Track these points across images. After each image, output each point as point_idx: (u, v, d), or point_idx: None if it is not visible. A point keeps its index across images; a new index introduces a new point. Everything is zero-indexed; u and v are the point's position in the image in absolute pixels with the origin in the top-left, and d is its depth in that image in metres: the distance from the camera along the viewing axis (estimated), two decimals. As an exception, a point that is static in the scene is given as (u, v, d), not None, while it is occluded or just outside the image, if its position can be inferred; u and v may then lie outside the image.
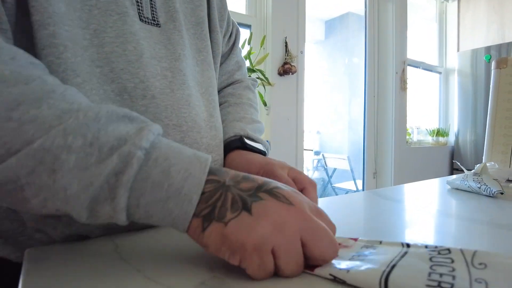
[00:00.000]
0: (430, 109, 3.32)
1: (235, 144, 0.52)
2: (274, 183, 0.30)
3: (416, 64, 3.01)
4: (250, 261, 0.25)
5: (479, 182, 0.64)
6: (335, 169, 3.43)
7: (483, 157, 0.84)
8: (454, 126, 3.16)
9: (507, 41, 2.79)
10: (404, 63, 2.58)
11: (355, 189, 2.77)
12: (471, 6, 3.10)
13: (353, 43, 3.85)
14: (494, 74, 0.82)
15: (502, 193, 0.60)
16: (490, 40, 2.96)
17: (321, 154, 3.57)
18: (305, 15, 2.08)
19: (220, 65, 0.63)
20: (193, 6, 0.52)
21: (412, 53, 2.86)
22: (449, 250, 0.26)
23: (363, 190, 2.57)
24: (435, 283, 0.22)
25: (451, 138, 3.17)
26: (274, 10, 1.92)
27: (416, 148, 2.79)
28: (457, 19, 3.19)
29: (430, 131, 3.10)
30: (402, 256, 0.26)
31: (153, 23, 0.44)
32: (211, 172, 0.29)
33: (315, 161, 4.13)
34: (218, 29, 0.57)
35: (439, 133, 3.09)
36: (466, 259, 0.24)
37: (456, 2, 3.19)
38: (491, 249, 0.35)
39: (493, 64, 0.82)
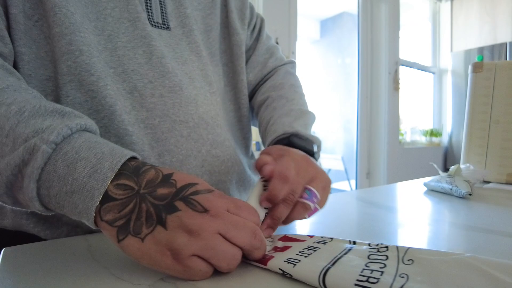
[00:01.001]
0: (424, 109, 3.34)
1: (283, 143, 0.48)
2: (193, 186, 0.29)
3: (410, 65, 3.03)
4: (174, 271, 0.26)
5: (451, 184, 0.67)
6: (329, 170, 3.46)
7: (461, 159, 0.86)
8: (447, 127, 3.19)
9: (499, 42, 2.81)
10: (397, 63, 2.60)
11: (349, 189, 2.80)
12: (464, 7, 3.13)
13: (347, 43, 3.87)
14: (470, 78, 0.84)
15: (470, 194, 0.62)
16: (482, 41, 2.99)
17: (316, 154, 3.59)
18: (296, 15, 2.10)
19: (250, 58, 0.63)
20: (203, 14, 0.55)
21: (406, 54, 2.88)
22: (387, 247, 0.28)
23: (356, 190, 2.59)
24: (365, 278, 0.24)
25: (445, 139, 3.20)
26: (265, 9, 1.94)
27: (409, 149, 2.82)
28: (450, 20, 3.22)
29: (424, 131, 3.12)
30: (346, 253, 0.29)
31: (163, 27, 0.48)
32: (126, 173, 0.28)
33: (311, 161, 4.15)
34: (238, 30, 0.58)
35: (432, 133, 3.12)
36: (398, 256, 0.27)
37: (449, 3, 3.21)
38: (454, 250, 0.37)
39: (469, 68, 0.84)
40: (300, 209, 0.37)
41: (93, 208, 0.27)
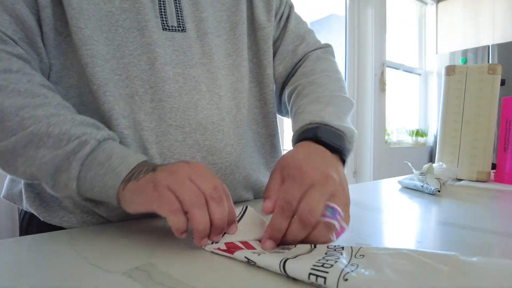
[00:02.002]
0: (410, 110, 3.41)
1: (306, 135, 0.43)
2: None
3: (397, 66, 3.09)
4: (152, 197, 0.34)
5: (423, 181, 0.70)
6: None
7: (436, 158, 0.90)
8: (432, 127, 3.26)
9: (482, 45, 2.89)
10: (383, 65, 2.65)
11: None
12: (448, 10, 3.20)
13: (336, 45, 3.91)
14: (444, 81, 0.88)
15: (439, 191, 0.66)
16: (466, 43, 3.06)
17: (306, 153, 3.64)
18: None
19: (278, 49, 0.62)
20: (229, 13, 0.56)
21: (392, 55, 2.94)
22: (343, 248, 0.31)
23: (344, 188, 2.63)
24: (320, 264, 0.27)
25: (430, 138, 3.27)
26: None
27: (395, 148, 2.87)
28: (436, 23, 3.29)
29: (410, 131, 3.19)
30: (307, 253, 0.31)
31: (178, 29, 0.50)
32: (139, 164, 0.38)
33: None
34: (264, 24, 0.58)
35: (418, 133, 3.18)
36: (352, 253, 0.29)
37: (434, 6, 3.28)
38: (420, 243, 0.41)
39: (443, 71, 0.88)
40: (322, 230, 0.33)
41: (118, 184, 0.36)
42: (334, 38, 3.96)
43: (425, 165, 0.75)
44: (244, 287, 0.27)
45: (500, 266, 0.25)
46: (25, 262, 0.32)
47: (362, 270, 0.25)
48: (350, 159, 0.45)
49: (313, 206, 0.32)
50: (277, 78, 0.62)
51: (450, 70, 0.86)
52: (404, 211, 0.57)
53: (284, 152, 0.57)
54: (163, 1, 0.49)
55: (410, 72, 3.31)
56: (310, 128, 0.43)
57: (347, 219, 0.35)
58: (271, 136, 0.61)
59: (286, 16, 0.63)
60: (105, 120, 0.45)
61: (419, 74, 3.40)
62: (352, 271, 0.25)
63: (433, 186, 0.67)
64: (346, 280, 0.24)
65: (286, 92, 0.59)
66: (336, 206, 0.33)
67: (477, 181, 0.84)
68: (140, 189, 0.35)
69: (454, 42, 3.17)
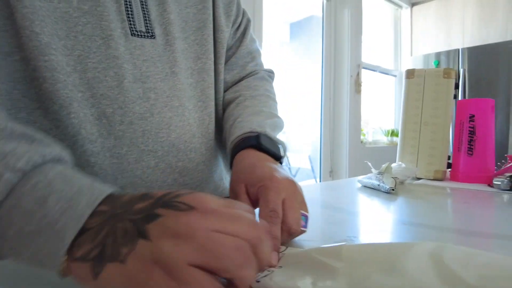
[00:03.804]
0: (386, 110, 3.50)
1: (250, 142, 0.45)
2: (176, 192, 0.24)
3: (373, 68, 3.17)
4: None
5: (379, 180, 0.73)
6: (299, 168, 3.54)
7: (396, 158, 0.94)
8: (407, 127, 3.35)
9: (453, 48, 3.00)
10: (359, 67, 2.72)
11: (321, 183, 2.89)
12: (422, 14, 3.31)
13: (315, 46, 3.98)
14: (404, 84, 0.92)
15: (393, 190, 0.69)
16: (439, 46, 3.17)
17: (285, 153, 3.69)
18: (262, 17, 2.09)
19: (229, 59, 0.60)
20: (195, 10, 0.51)
21: (369, 57, 3.01)
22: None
23: (321, 187, 2.69)
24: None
25: (405, 138, 3.36)
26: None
27: (371, 148, 2.94)
28: (410, 26, 3.39)
29: (385, 131, 3.27)
30: None
31: (147, 36, 0.44)
32: (103, 201, 0.24)
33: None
34: (223, 27, 0.55)
35: (393, 133, 3.27)
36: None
37: (409, 10, 3.38)
38: (356, 241, 0.43)
39: (404, 74, 0.92)
40: (298, 234, 0.36)
41: (62, 252, 0.22)
42: (314, 39, 4.02)
43: (384, 165, 0.78)
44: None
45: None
46: None
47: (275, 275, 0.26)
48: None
49: (296, 217, 0.35)
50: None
51: (410, 74, 0.90)
52: (358, 208, 0.59)
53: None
54: (129, 3, 0.43)
55: (386, 73, 3.40)
56: (253, 136, 0.45)
57: (306, 208, 0.39)
58: (222, 137, 0.61)
59: (243, 29, 0.63)
60: (68, 147, 0.38)
61: (395, 76, 3.49)
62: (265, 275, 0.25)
63: (388, 185, 0.70)
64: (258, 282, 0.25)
65: (226, 98, 0.58)
66: (307, 214, 0.37)
67: (434, 179, 0.88)
68: (134, 277, 0.21)
69: (427, 45, 3.28)
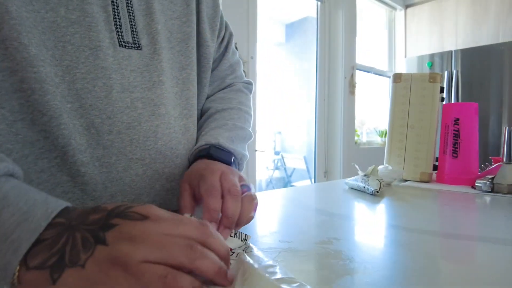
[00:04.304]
0: (381, 111, 3.52)
1: (201, 153, 0.49)
2: (126, 205, 0.27)
3: (367, 69, 3.19)
4: (128, 285, 0.22)
5: (365, 183, 0.75)
6: (294, 169, 3.57)
7: (384, 160, 0.96)
8: (401, 127, 3.38)
9: (446, 50, 3.03)
10: (353, 68, 2.74)
11: (310, 184, 2.92)
12: (416, 15, 3.34)
13: (311, 47, 4.01)
14: (391, 88, 0.94)
15: (377, 192, 0.71)
16: (432, 48, 3.20)
17: (280, 154, 3.71)
18: (256, 18, 2.09)
19: (211, 72, 0.62)
20: (180, 22, 0.53)
21: (364, 58, 3.04)
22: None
23: (315, 188, 2.71)
24: None
25: (399, 139, 3.39)
26: (222, 12, 1.97)
27: (364, 148, 2.97)
28: (404, 28, 3.42)
29: (379, 132, 3.30)
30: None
31: (134, 47, 0.45)
32: (59, 214, 0.26)
33: (276, 161, 4.27)
34: (208, 42, 0.57)
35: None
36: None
37: (403, 12, 3.41)
38: (336, 243, 0.44)
39: (391, 78, 0.94)
40: (249, 203, 0.39)
41: (16, 263, 0.23)
42: (309, 39, 4.04)
43: (370, 167, 0.80)
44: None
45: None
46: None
47: None
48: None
49: (233, 182, 0.39)
50: None
51: (397, 78, 0.92)
52: (342, 210, 0.61)
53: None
54: (118, 14, 0.44)
55: (381, 75, 3.43)
56: (205, 148, 0.50)
57: (255, 196, 0.42)
58: None
59: (226, 42, 0.65)
60: (56, 156, 0.40)
61: (389, 77, 3.52)
62: None
63: (373, 187, 0.72)
64: None
65: (201, 107, 0.62)
66: (247, 183, 0.42)
67: (420, 181, 0.90)
68: (94, 279, 0.23)
69: (421, 47, 3.31)
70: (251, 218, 0.40)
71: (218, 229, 0.35)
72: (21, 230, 0.23)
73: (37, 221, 0.24)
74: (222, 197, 0.38)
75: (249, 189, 0.41)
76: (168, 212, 0.28)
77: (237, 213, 0.37)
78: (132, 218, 0.25)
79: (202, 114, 0.60)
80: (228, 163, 0.48)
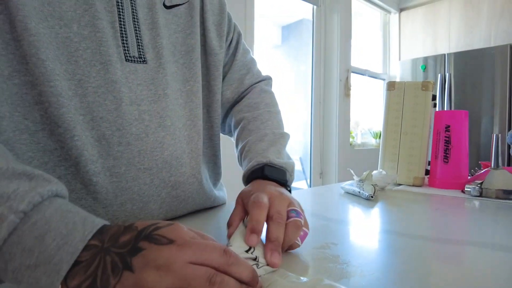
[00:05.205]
0: (376, 112, 3.57)
1: (256, 174, 0.51)
2: (155, 225, 0.28)
3: (362, 72, 3.24)
4: None
5: (360, 187, 0.78)
6: (290, 169, 3.61)
7: (378, 165, 1.00)
8: (395, 129, 3.42)
9: (439, 53, 3.08)
10: (348, 71, 2.78)
11: (306, 188, 2.96)
12: (410, 19, 3.39)
13: (307, 49, 4.05)
14: (385, 95, 0.97)
15: (372, 197, 0.74)
16: (426, 51, 3.26)
17: (276, 154, 3.74)
18: (253, 19, 2.10)
19: (225, 75, 0.64)
20: (184, 35, 0.54)
21: (358, 61, 3.08)
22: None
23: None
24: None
25: (393, 140, 3.44)
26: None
27: (359, 150, 3.01)
28: (399, 31, 3.47)
29: (374, 133, 3.34)
30: None
31: (139, 61, 0.47)
32: (94, 235, 0.28)
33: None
34: (216, 50, 0.58)
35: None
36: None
37: (397, 15, 3.46)
38: (334, 247, 0.47)
39: (384, 86, 0.98)
40: (293, 229, 0.38)
41: (58, 283, 0.25)
42: (305, 42, 4.08)
43: (364, 172, 0.83)
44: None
45: None
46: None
47: None
48: (291, 184, 0.54)
49: (279, 209, 0.39)
50: (224, 103, 0.66)
51: (391, 86, 0.96)
52: (338, 215, 0.64)
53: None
54: (124, 30, 0.46)
55: (375, 77, 3.47)
56: (258, 168, 0.51)
57: (306, 224, 0.41)
58: (214, 156, 0.65)
59: (235, 44, 0.65)
60: (71, 165, 0.42)
61: (383, 79, 3.57)
62: None
63: (367, 192, 0.75)
64: None
65: (233, 120, 0.64)
66: (297, 209, 0.40)
67: (413, 185, 0.93)
68: None
69: (415, 50, 3.37)
70: (296, 245, 0.40)
71: (265, 255, 0.34)
72: (62, 253, 0.26)
73: (75, 245, 0.26)
74: (267, 221, 0.38)
75: (297, 214, 0.39)
76: (193, 233, 0.29)
77: (281, 237, 0.36)
78: (158, 243, 0.27)
79: (235, 126, 0.62)
80: (284, 181, 0.51)
